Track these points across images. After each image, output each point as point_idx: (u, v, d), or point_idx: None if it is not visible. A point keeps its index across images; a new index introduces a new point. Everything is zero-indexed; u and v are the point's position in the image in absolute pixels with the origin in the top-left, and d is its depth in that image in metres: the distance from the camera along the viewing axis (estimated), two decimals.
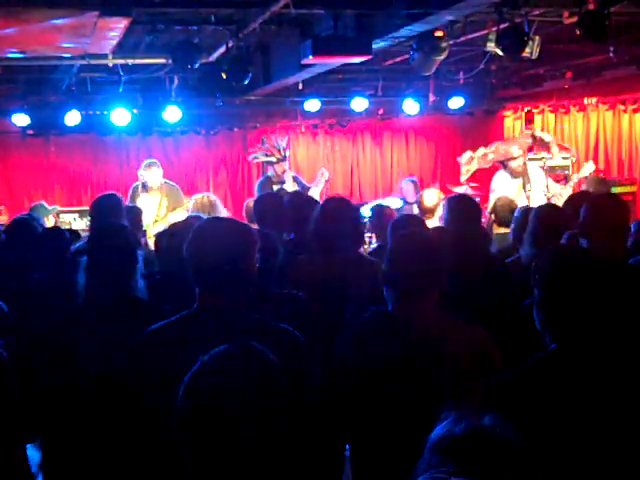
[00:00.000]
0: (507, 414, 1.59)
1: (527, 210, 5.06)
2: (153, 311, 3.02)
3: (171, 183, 8.40)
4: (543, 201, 8.05)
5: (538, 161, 9.78)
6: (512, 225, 5.01)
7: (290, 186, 8.80)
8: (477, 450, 1.43)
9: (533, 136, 10.03)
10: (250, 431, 1.72)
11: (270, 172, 9.22)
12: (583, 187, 8.57)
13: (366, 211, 8.24)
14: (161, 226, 7.61)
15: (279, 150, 9.36)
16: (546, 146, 10.07)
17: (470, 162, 10.19)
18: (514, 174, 8.90)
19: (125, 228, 3.60)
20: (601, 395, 2.25)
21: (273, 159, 9.34)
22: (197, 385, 1.77)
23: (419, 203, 7.86)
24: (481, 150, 10.17)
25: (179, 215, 7.65)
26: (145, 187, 8.11)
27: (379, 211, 6.05)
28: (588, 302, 2.33)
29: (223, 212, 6.54)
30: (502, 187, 8.88)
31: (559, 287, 2.37)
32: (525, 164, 8.96)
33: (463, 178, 10.33)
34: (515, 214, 5.06)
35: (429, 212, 7.39)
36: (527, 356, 2.55)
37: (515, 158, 9.03)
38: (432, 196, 7.66)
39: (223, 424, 1.71)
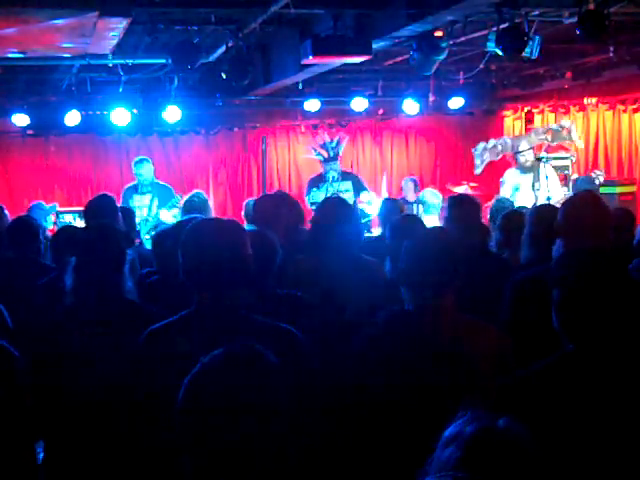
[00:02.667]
0: (522, 414, 1.59)
1: (512, 213, 5.09)
2: (143, 313, 3.03)
3: (162, 183, 8.56)
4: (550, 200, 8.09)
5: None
6: (496, 226, 5.02)
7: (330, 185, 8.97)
8: (485, 451, 1.43)
9: (551, 130, 10.08)
10: (250, 433, 1.72)
11: (324, 170, 9.45)
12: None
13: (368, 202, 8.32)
14: (151, 224, 7.87)
15: (327, 150, 9.51)
16: (567, 132, 10.13)
17: (483, 154, 10.30)
18: (523, 169, 8.97)
19: (114, 228, 3.58)
20: (617, 398, 2.24)
21: (321, 157, 9.52)
22: (197, 387, 1.77)
23: (421, 199, 7.93)
24: (491, 142, 10.26)
25: (169, 213, 8.11)
26: (137, 188, 8.28)
27: (390, 205, 6.13)
28: (608, 304, 2.31)
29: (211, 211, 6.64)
30: (511, 181, 8.97)
31: (580, 289, 2.34)
32: (537, 159, 9.01)
33: (478, 170, 10.44)
34: (500, 216, 5.07)
35: (430, 208, 7.42)
36: (527, 355, 2.54)
37: (522, 152, 9.10)
38: (433, 194, 7.73)
39: (223, 426, 1.71)
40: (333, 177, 9.11)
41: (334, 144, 9.89)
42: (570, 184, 9.62)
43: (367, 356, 2.81)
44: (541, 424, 2.15)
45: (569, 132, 10.19)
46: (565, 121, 10.51)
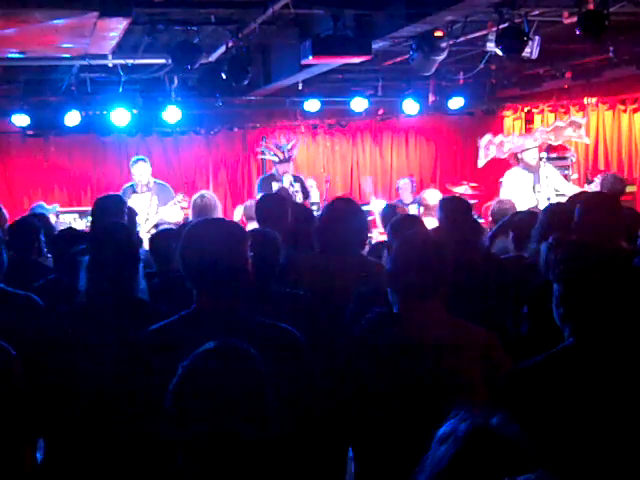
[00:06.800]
0: (521, 407, 1.57)
1: (529, 213, 5.09)
2: (154, 313, 3.02)
3: (160, 182, 8.52)
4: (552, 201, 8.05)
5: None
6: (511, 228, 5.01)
7: (286, 187, 8.80)
8: (479, 449, 1.44)
9: (557, 127, 10.01)
10: (236, 427, 1.73)
11: (274, 170, 9.31)
12: (596, 184, 8.49)
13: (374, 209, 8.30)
14: (151, 223, 7.83)
15: (282, 151, 9.42)
16: (578, 127, 10.05)
17: (489, 147, 10.21)
18: (528, 168, 8.87)
19: (127, 228, 3.60)
20: (616, 390, 2.24)
21: (276, 159, 9.43)
22: (181, 385, 1.79)
23: (421, 201, 7.92)
24: (499, 137, 10.21)
25: (169, 210, 7.99)
26: (135, 188, 8.25)
27: (391, 210, 6.24)
28: (609, 297, 2.31)
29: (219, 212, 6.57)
30: (513, 182, 8.89)
31: (581, 281, 2.35)
32: (539, 159, 8.95)
33: (481, 163, 10.36)
34: (516, 216, 5.07)
35: (431, 210, 7.43)
36: (525, 354, 2.55)
37: (529, 149, 9.04)
38: (434, 195, 7.72)
39: (207, 422, 1.73)
40: (290, 181, 8.88)
41: (289, 146, 9.78)
42: (598, 181, 9.49)
43: (353, 357, 2.81)
44: (540, 416, 2.16)
45: (580, 127, 10.10)
46: (577, 117, 10.46)
